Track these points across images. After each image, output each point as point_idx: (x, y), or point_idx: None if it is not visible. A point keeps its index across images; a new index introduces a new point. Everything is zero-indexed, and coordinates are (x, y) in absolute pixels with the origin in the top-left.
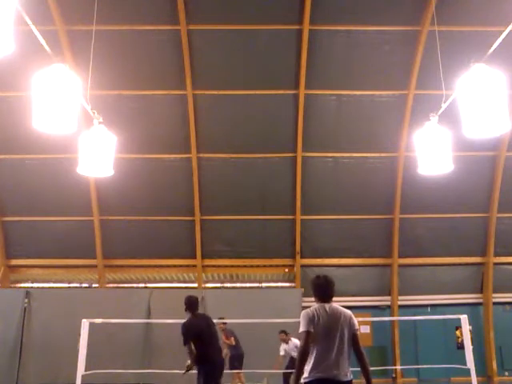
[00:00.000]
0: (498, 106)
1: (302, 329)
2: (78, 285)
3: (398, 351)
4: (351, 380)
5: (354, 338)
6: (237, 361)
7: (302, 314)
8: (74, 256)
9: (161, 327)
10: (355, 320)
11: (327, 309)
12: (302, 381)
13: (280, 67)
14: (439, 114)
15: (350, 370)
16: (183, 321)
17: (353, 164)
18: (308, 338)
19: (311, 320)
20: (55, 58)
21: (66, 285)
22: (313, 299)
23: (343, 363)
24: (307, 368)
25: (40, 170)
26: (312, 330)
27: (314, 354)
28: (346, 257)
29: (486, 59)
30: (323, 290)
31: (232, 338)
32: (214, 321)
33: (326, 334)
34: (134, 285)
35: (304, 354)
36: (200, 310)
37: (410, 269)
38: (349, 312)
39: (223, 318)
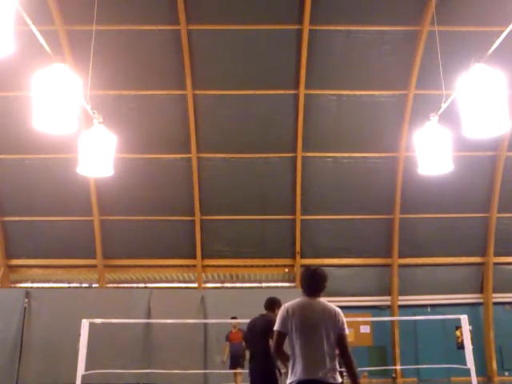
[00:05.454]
0: (498, 105)
1: (274, 327)
2: (78, 285)
3: (397, 351)
4: (339, 383)
5: (339, 338)
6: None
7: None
8: (74, 256)
9: (161, 327)
10: (342, 319)
11: (310, 304)
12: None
13: (280, 67)
14: (439, 114)
15: (335, 372)
16: (185, 321)
17: (353, 164)
18: (278, 338)
19: (284, 318)
20: (55, 57)
21: (66, 285)
22: None
23: (325, 364)
24: (290, 370)
25: (40, 170)
26: (283, 330)
27: (294, 355)
28: (346, 257)
29: (486, 59)
30: (307, 283)
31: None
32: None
33: (303, 332)
34: (134, 285)
35: (275, 354)
36: (200, 310)
37: (410, 269)
38: (335, 310)
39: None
